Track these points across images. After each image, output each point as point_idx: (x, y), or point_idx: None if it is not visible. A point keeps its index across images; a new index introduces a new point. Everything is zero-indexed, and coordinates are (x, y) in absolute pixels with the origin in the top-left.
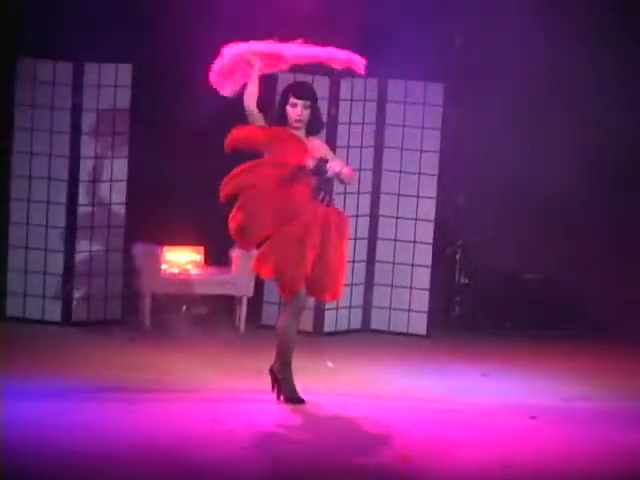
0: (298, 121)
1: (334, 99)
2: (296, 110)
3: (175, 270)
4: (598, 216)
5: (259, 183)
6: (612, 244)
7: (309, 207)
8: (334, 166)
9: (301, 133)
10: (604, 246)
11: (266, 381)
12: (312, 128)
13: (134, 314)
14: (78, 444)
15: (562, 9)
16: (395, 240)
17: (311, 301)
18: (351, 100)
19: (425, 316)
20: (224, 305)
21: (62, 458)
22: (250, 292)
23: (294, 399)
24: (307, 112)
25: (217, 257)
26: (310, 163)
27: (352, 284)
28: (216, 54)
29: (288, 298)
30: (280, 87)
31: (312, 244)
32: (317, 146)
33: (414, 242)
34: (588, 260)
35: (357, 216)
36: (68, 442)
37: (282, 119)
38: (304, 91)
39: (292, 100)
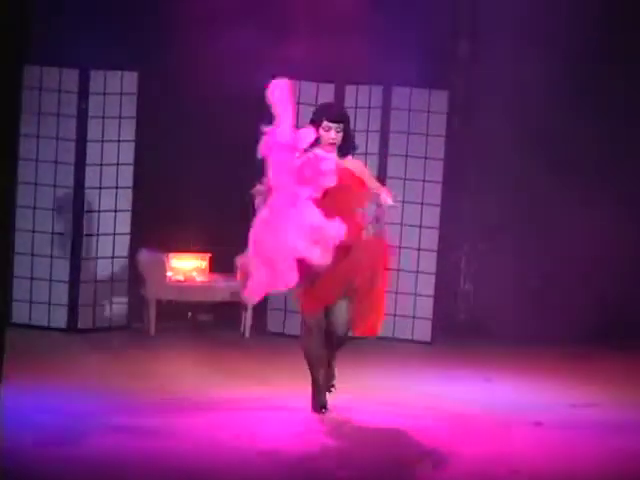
0: (331, 144)
1: None
2: (330, 134)
3: (180, 277)
4: (602, 222)
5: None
6: (613, 242)
7: (361, 244)
8: (386, 198)
9: (333, 155)
10: (605, 248)
11: (271, 388)
12: (344, 149)
13: (139, 321)
14: (81, 450)
15: (563, 13)
16: (400, 247)
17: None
18: (356, 107)
19: (430, 323)
20: (229, 312)
21: (64, 464)
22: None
23: (314, 409)
24: (340, 135)
25: (222, 264)
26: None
27: None
28: (219, 61)
29: (304, 314)
30: (301, 96)
31: (362, 280)
32: (353, 166)
33: (419, 249)
34: (590, 266)
35: None
36: (71, 448)
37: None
38: (337, 115)
39: (325, 124)
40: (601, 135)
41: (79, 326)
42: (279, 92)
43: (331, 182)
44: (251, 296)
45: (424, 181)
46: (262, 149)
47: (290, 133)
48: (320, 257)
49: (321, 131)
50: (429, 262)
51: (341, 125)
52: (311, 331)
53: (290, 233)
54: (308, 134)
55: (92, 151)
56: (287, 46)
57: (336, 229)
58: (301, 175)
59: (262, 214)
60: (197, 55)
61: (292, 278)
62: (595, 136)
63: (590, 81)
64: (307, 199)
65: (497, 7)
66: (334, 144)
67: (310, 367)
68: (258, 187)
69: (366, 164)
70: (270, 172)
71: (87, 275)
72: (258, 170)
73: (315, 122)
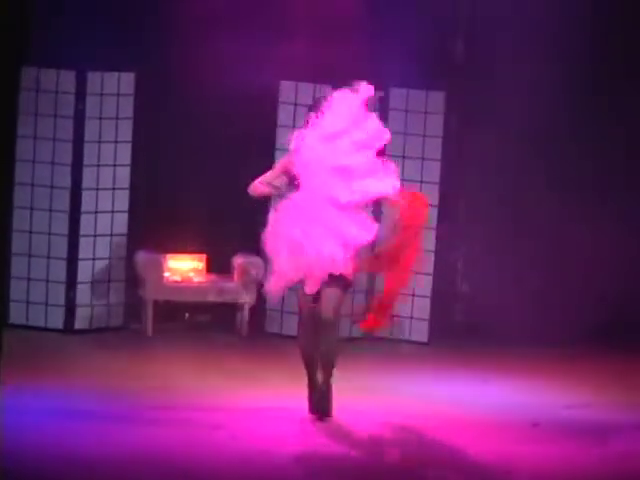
0: None
1: None
2: None
3: (177, 278)
4: (599, 223)
5: None
6: (612, 242)
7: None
8: None
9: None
10: (604, 248)
11: (268, 389)
12: None
13: (137, 322)
14: (80, 451)
15: (560, 14)
16: None
17: None
18: None
19: (426, 323)
20: (226, 313)
21: (63, 465)
22: (252, 300)
23: (310, 410)
24: None
25: (219, 265)
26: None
27: (354, 291)
28: (216, 62)
29: (301, 311)
30: (298, 97)
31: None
32: None
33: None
34: (590, 266)
35: None
36: (70, 449)
37: None
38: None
39: None
40: (601, 134)
41: (76, 327)
42: (359, 99)
43: (388, 191)
44: (273, 291)
45: (421, 182)
46: (296, 142)
47: (341, 125)
48: (345, 266)
49: None
50: (426, 262)
51: None
52: (308, 330)
53: (321, 236)
54: (383, 133)
55: (89, 152)
56: (284, 47)
57: (364, 236)
58: (350, 175)
59: (287, 206)
60: (194, 56)
61: (319, 277)
62: (594, 134)
63: (590, 81)
64: (344, 203)
65: (494, 8)
66: None
67: (307, 367)
68: (274, 183)
69: None
70: (301, 167)
71: (84, 276)
72: (255, 170)
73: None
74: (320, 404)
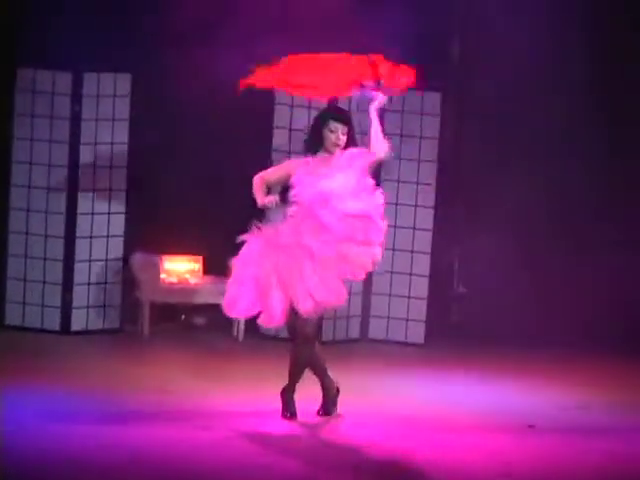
0: (335, 145)
1: None
2: (336, 135)
3: (174, 279)
4: (598, 223)
5: None
6: (612, 253)
7: None
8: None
9: None
10: (602, 248)
11: (264, 390)
12: None
13: (133, 323)
14: (77, 453)
15: (558, 15)
16: (393, 249)
17: None
18: (348, 110)
19: (423, 325)
20: (223, 314)
21: (61, 467)
22: None
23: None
24: (344, 138)
25: (216, 266)
26: None
27: (350, 293)
28: (213, 63)
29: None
30: (294, 97)
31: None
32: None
33: (412, 251)
34: (588, 267)
35: None
36: (67, 451)
37: (317, 142)
38: (344, 117)
39: (333, 124)
40: (601, 135)
41: (72, 328)
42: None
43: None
44: (270, 322)
45: (417, 183)
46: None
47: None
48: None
49: (326, 132)
50: (422, 264)
51: (346, 128)
52: (313, 337)
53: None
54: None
55: (85, 154)
56: (278, 48)
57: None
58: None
59: (282, 232)
60: (191, 57)
61: (279, 316)
62: (594, 135)
63: (589, 82)
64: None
65: (490, 7)
66: (338, 145)
67: (298, 375)
68: (272, 197)
69: None
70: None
71: (81, 277)
72: (252, 172)
73: (319, 124)
74: (332, 405)
